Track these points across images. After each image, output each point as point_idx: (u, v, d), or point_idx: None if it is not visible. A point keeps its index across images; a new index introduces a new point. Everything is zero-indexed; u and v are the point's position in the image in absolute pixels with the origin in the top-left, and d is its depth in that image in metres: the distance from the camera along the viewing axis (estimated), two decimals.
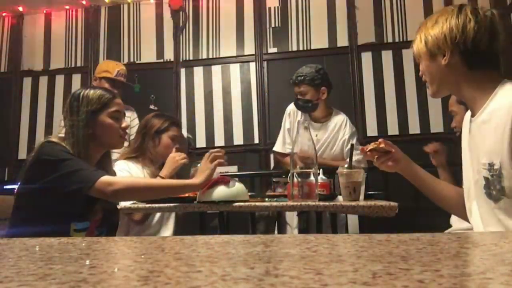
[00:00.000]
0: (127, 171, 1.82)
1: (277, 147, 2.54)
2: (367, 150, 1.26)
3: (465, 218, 1.26)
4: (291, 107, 2.51)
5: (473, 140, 1.15)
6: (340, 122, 2.41)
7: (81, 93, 1.44)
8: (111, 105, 1.45)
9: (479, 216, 1.13)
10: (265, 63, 3.49)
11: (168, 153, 1.88)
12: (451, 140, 2.18)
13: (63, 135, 1.42)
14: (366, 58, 3.30)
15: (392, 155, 1.25)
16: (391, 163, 1.26)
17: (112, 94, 1.47)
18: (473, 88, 1.10)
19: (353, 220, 2.61)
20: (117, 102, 1.47)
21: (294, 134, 2.41)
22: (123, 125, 1.47)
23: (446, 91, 1.19)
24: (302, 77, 2.33)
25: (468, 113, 1.22)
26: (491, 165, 1.04)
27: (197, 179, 1.42)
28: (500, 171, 1.02)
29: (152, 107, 3.50)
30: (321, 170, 1.50)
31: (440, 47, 1.09)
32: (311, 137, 1.38)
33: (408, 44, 1.28)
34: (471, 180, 1.15)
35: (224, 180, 1.40)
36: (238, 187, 1.40)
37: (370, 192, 1.47)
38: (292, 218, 2.36)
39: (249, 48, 3.53)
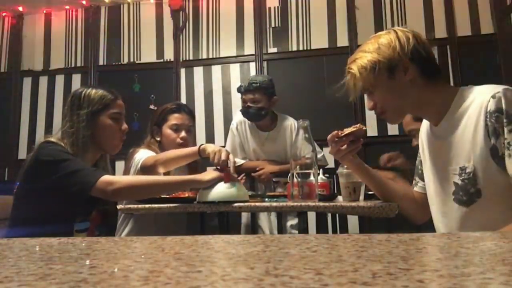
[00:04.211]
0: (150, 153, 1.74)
1: (240, 162, 2.43)
2: (343, 134, 1.19)
3: (416, 220, 1.30)
4: (238, 120, 2.48)
5: (437, 149, 1.16)
6: (289, 127, 2.40)
7: (83, 93, 1.42)
8: (112, 106, 1.43)
9: (444, 223, 1.15)
10: (265, 63, 3.49)
11: (173, 144, 1.83)
12: None
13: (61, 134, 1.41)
14: None
15: (359, 145, 1.23)
16: (351, 157, 1.24)
17: (114, 95, 1.46)
18: (434, 98, 1.11)
19: (353, 220, 2.61)
20: (118, 103, 1.45)
21: (248, 144, 2.43)
22: (123, 127, 1.45)
23: (407, 110, 1.19)
24: (258, 84, 2.28)
25: (424, 125, 1.23)
26: (462, 169, 1.05)
27: (205, 176, 1.40)
28: (475, 174, 1.02)
29: (152, 107, 3.51)
30: (321, 170, 1.49)
31: (398, 63, 1.09)
32: (312, 139, 1.38)
33: None
34: (437, 187, 1.16)
35: (226, 178, 1.40)
36: (238, 187, 1.40)
37: (370, 192, 1.47)
38: (265, 221, 2.35)
39: (249, 48, 3.53)
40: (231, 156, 1.49)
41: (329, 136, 1.23)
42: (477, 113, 1.01)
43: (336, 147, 1.22)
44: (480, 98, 1.02)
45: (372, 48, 1.12)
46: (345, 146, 1.21)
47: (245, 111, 2.33)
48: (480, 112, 1.00)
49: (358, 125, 1.21)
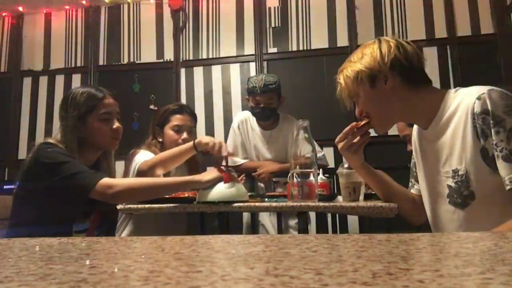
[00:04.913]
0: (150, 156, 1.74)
1: (240, 162, 2.43)
2: (361, 125, 1.20)
3: (413, 221, 1.31)
4: (239, 119, 2.48)
5: (429, 152, 1.16)
6: (290, 125, 2.38)
7: (70, 96, 1.40)
8: (99, 107, 1.40)
9: (439, 225, 1.15)
10: (265, 63, 3.49)
11: (175, 146, 1.80)
12: None
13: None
14: None
15: (369, 137, 1.24)
16: (359, 154, 1.25)
17: (102, 94, 1.42)
18: (420, 104, 1.12)
19: (353, 220, 2.61)
20: (106, 103, 1.42)
21: (250, 143, 2.43)
22: (114, 126, 1.42)
23: (393, 119, 1.19)
24: (274, 86, 2.27)
25: (416, 128, 1.24)
26: (455, 171, 1.05)
27: (205, 177, 1.39)
28: (467, 176, 1.03)
29: (152, 107, 3.51)
30: (321, 170, 1.49)
31: (378, 73, 1.10)
32: (312, 139, 1.38)
33: None
34: (431, 190, 1.17)
35: (226, 178, 1.39)
36: (237, 187, 1.39)
37: (370, 192, 1.47)
38: (266, 219, 2.35)
39: (249, 48, 3.53)
40: (224, 145, 1.53)
41: (346, 129, 1.23)
42: (464, 115, 1.02)
43: (352, 140, 1.22)
44: (466, 100, 1.02)
45: (356, 58, 1.15)
46: (358, 138, 1.22)
47: (260, 112, 2.32)
48: (467, 114, 1.01)
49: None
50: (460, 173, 1.04)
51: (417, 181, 1.29)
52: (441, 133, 1.09)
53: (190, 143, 1.61)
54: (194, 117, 1.95)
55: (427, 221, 1.25)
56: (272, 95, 2.28)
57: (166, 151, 1.70)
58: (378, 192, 1.32)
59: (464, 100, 1.03)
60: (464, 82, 3.10)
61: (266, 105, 2.29)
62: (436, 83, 1.11)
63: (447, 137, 1.07)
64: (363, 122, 1.20)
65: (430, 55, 3.19)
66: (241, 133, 2.45)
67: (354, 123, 1.22)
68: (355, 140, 1.22)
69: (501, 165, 0.95)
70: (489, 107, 0.96)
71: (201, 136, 1.59)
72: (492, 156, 0.97)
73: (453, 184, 1.07)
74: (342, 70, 1.18)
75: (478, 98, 0.98)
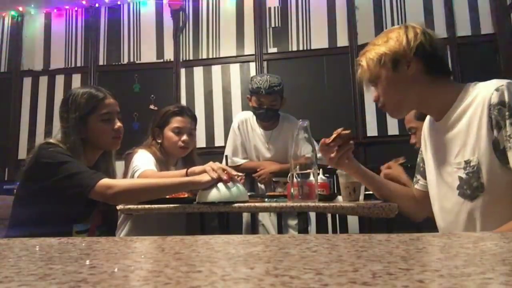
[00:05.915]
0: (147, 157, 1.74)
1: (240, 162, 2.44)
2: (330, 141, 1.20)
3: (415, 217, 1.32)
4: (239, 119, 2.48)
5: (441, 144, 1.16)
6: (290, 124, 2.36)
7: (70, 98, 1.40)
8: (100, 108, 1.40)
9: (447, 218, 1.15)
10: (265, 63, 3.49)
11: (175, 148, 1.84)
12: None
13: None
14: None
15: (351, 147, 1.23)
16: (347, 161, 1.25)
17: (102, 95, 1.43)
18: (437, 95, 1.12)
19: (353, 220, 2.60)
20: (107, 103, 1.42)
21: (250, 143, 2.43)
22: (116, 126, 1.43)
23: (409, 105, 1.19)
24: (279, 87, 2.27)
25: (427, 121, 1.24)
26: (467, 162, 1.05)
27: (204, 177, 1.38)
28: (479, 167, 1.02)
29: (152, 107, 3.51)
30: (321, 170, 1.49)
31: (402, 57, 1.11)
32: (312, 139, 1.38)
33: None
34: (441, 183, 1.16)
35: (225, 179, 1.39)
36: (237, 187, 1.39)
37: (370, 192, 1.47)
38: (267, 219, 2.35)
39: (249, 48, 3.53)
40: (223, 163, 1.48)
41: (318, 147, 1.25)
42: (481, 106, 1.02)
43: (327, 155, 1.23)
44: (484, 92, 1.03)
45: (381, 42, 1.15)
46: (334, 153, 1.22)
47: (263, 113, 2.32)
48: (484, 105, 1.01)
49: (338, 130, 1.22)
50: (472, 164, 1.04)
51: (422, 176, 1.29)
52: (454, 125, 1.09)
53: (183, 171, 1.54)
54: (194, 119, 1.95)
55: (427, 219, 1.25)
56: (276, 96, 2.29)
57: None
58: (376, 194, 1.33)
59: (481, 92, 1.04)
60: (464, 82, 3.09)
61: (270, 106, 2.29)
62: None
63: (461, 128, 1.07)
64: (332, 137, 1.20)
65: None
66: (241, 133, 2.45)
67: (322, 140, 1.23)
68: (332, 155, 1.23)
69: None
70: (506, 99, 0.97)
71: (193, 167, 1.51)
72: (503, 149, 0.97)
73: (464, 176, 1.06)
74: (364, 52, 1.18)
75: (497, 90, 0.99)
